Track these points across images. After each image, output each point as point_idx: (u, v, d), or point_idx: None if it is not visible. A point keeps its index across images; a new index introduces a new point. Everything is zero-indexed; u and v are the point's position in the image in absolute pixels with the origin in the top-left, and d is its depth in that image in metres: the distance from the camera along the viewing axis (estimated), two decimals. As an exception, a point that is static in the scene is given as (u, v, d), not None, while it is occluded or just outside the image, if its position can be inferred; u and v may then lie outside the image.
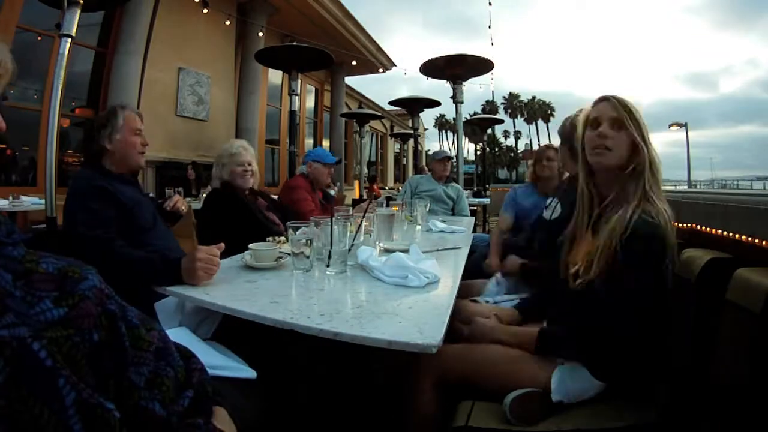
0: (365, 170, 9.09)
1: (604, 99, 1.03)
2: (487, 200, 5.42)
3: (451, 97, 4.82)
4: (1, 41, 0.61)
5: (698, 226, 1.12)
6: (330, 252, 1.13)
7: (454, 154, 3.91)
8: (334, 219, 1.14)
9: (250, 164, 1.97)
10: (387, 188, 12.43)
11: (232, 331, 1.06)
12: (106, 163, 1.47)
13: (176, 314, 1.09)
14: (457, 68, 4.72)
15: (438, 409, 0.98)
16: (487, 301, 1.45)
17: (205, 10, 6.53)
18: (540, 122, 48.25)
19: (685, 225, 1.19)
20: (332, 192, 6.86)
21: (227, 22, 7.09)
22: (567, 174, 1.79)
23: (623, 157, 0.97)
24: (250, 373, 0.90)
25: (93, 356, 0.42)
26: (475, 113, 26.60)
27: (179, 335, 0.94)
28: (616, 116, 0.98)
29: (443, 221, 2.24)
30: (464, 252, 1.57)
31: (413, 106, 6.93)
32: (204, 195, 4.86)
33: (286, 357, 1.11)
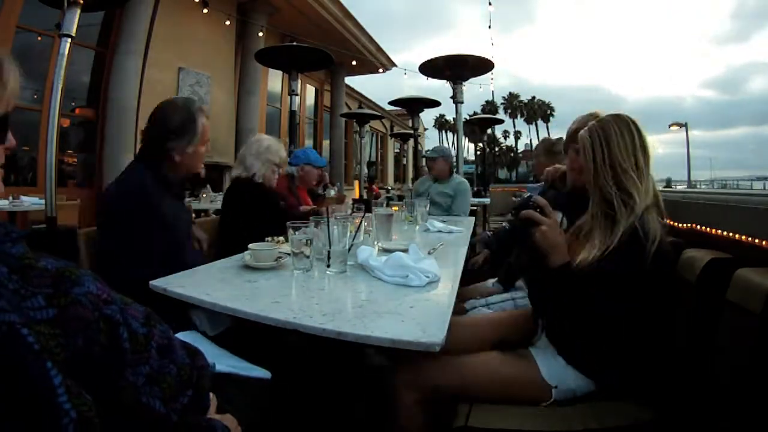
0: (365, 170, 9.07)
1: None
2: (487, 200, 5.42)
3: (451, 97, 4.83)
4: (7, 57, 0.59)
5: (698, 226, 1.12)
6: (329, 252, 1.13)
7: (454, 153, 3.90)
8: (333, 219, 1.14)
9: None
10: (392, 188, 12.37)
11: (237, 336, 1.06)
12: (164, 167, 1.30)
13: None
14: (457, 68, 4.72)
15: (424, 421, 0.96)
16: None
17: (205, 10, 6.54)
18: (540, 122, 48.29)
19: (685, 225, 1.19)
20: (332, 192, 6.86)
21: (227, 22, 7.10)
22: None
23: None
24: (263, 373, 0.90)
25: (74, 358, 0.43)
26: (475, 113, 26.61)
27: (194, 339, 0.94)
28: None
29: (443, 221, 2.24)
30: (463, 252, 1.57)
31: (413, 106, 6.93)
32: (204, 196, 4.89)
33: (288, 359, 1.11)
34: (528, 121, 48.63)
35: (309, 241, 1.15)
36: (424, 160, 3.30)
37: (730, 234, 0.98)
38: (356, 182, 11.14)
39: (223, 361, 0.86)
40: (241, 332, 1.03)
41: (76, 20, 2.36)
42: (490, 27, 10.23)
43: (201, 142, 1.34)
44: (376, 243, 1.47)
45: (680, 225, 1.21)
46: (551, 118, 48.03)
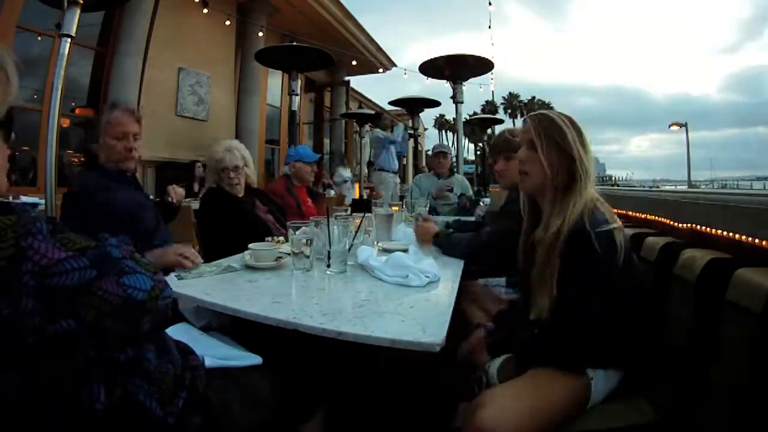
0: (365, 170, 9.04)
1: (524, 120, 1.05)
2: (487, 200, 5.41)
3: (451, 97, 4.83)
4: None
5: (698, 226, 1.12)
6: (329, 252, 1.13)
7: (454, 153, 3.92)
8: (332, 219, 1.14)
9: (237, 169, 1.87)
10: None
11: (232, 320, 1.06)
12: (102, 161, 1.46)
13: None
14: (457, 68, 4.72)
15: None
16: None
17: (205, 10, 6.52)
18: (540, 122, 48.26)
19: (685, 225, 1.19)
20: (332, 193, 6.85)
21: (227, 22, 7.08)
22: None
23: (542, 177, 0.97)
24: (255, 360, 0.89)
25: None
26: (475, 113, 26.56)
27: (180, 330, 0.94)
28: (529, 138, 1.00)
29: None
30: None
31: (413, 106, 6.91)
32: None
33: (288, 344, 1.11)
34: (528, 121, 48.55)
35: (309, 241, 1.15)
36: (428, 156, 3.37)
37: (730, 234, 0.98)
38: (356, 182, 11.12)
39: (212, 352, 0.85)
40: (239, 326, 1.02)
41: (76, 20, 2.36)
42: (490, 27, 10.22)
43: (109, 133, 1.42)
44: (376, 243, 1.47)
45: (680, 225, 1.21)
46: (551, 118, 48.02)
